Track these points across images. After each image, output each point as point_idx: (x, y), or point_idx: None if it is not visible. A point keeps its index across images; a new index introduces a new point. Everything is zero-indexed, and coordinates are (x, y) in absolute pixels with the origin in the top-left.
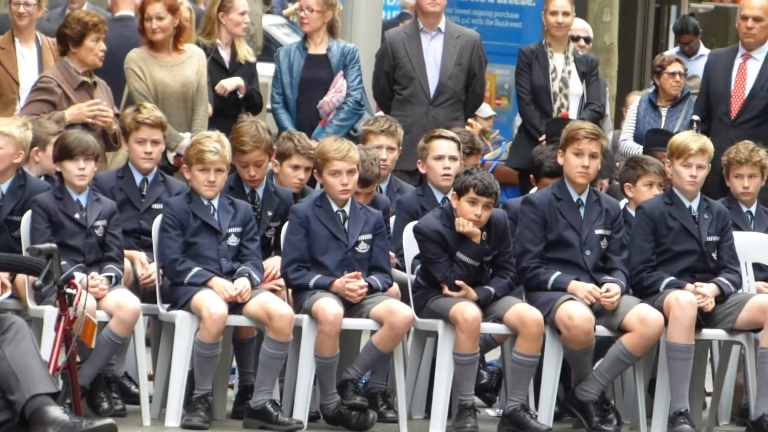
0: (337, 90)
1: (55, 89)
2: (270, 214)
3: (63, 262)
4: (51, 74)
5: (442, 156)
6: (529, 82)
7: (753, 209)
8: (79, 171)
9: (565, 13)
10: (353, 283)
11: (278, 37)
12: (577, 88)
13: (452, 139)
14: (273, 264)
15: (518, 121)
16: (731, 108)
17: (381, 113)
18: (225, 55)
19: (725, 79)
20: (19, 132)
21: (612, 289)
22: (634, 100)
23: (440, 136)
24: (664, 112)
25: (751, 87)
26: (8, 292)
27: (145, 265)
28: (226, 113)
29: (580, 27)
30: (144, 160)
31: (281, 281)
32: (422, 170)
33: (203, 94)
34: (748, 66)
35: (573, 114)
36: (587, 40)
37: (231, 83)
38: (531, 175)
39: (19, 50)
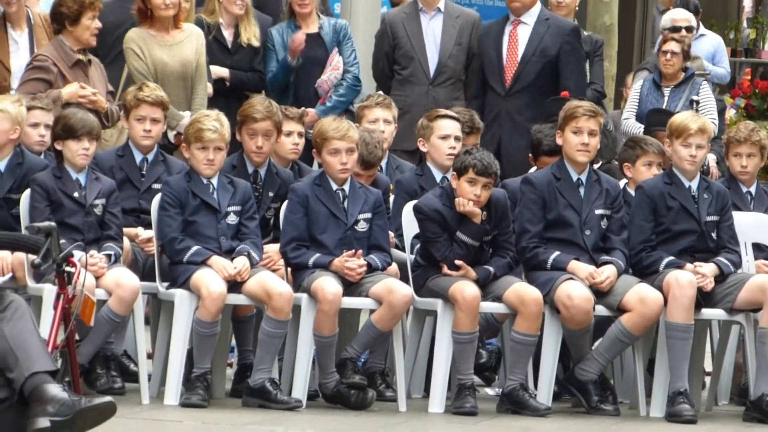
0: (334, 67)
1: (50, 67)
2: (271, 194)
3: (62, 241)
4: (46, 52)
5: (448, 135)
6: None
7: (753, 189)
8: (83, 151)
9: None
10: (352, 261)
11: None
12: None
13: (456, 119)
14: (270, 253)
15: None
16: (505, 78)
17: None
18: (227, 35)
19: (497, 49)
20: (13, 108)
21: (604, 272)
22: (639, 78)
23: (445, 116)
24: (666, 92)
25: (522, 53)
26: (9, 274)
27: (142, 236)
28: (227, 94)
29: (682, 17)
30: (143, 137)
31: (281, 261)
32: (423, 149)
33: (202, 73)
34: (519, 32)
35: None
36: (689, 29)
37: (216, 73)
38: (530, 154)
39: (11, 36)
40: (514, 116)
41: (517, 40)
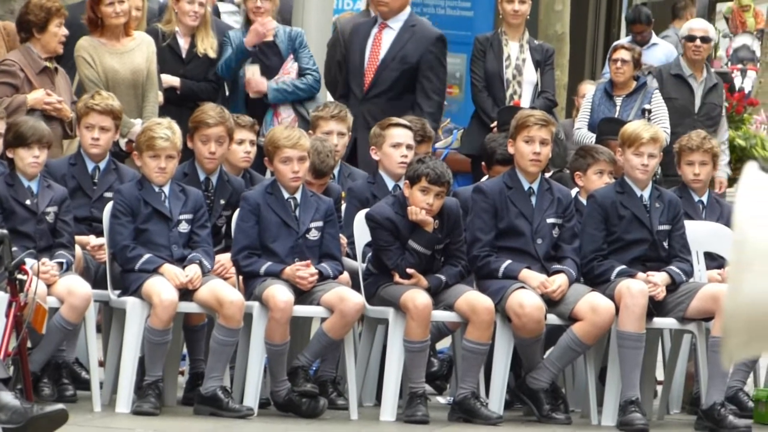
0: (285, 72)
1: (18, 73)
2: (222, 202)
3: (14, 248)
4: (14, 58)
5: (400, 144)
6: (483, 69)
7: (704, 198)
8: (33, 159)
9: (522, 1)
10: (304, 270)
11: (230, 24)
12: (531, 76)
13: (408, 127)
14: (222, 261)
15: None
16: (364, 81)
17: (331, 100)
18: (183, 43)
19: (361, 51)
20: None
21: (556, 281)
22: (589, 88)
23: (397, 124)
24: (618, 101)
25: (382, 58)
26: None
27: (93, 243)
28: (178, 103)
29: (699, 27)
30: (91, 145)
31: (232, 269)
32: (376, 157)
33: (153, 81)
34: (383, 36)
35: (526, 102)
36: (704, 39)
37: (167, 82)
38: (483, 163)
39: None
40: (369, 121)
41: (380, 44)
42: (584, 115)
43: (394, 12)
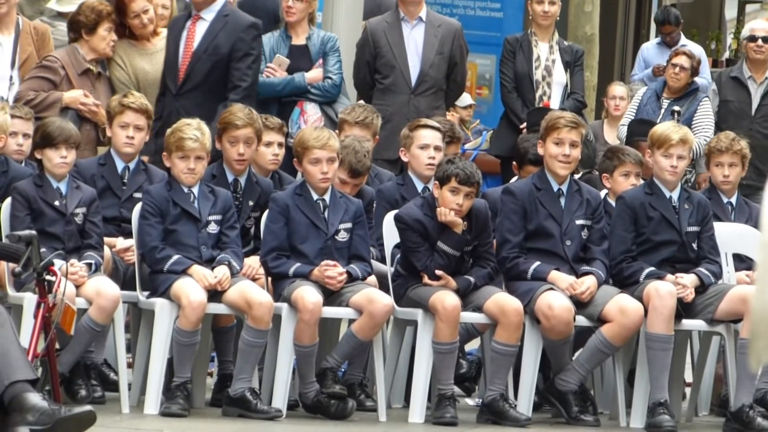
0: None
1: (58, 69)
2: (251, 203)
3: (43, 250)
4: (57, 55)
5: (428, 145)
6: (513, 70)
7: (734, 200)
8: (61, 159)
9: (551, 2)
10: (332, 270)
11: None
12: (560, 77)
13: (437, 128)
14: (250, 263)
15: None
16: (178, 75)
17: (361, 102)
18: None
19: (176, 45)
20: None
21: (585, 283)
22: (638, 89)
23: (426, 126)
24: (665, 104)
25: (194, 50)
26: None
27: (119, 245)
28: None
29: (761, 27)
30: (125, 144)
31: (261, 270)
32: (405, 159)
33: None
34: (196, 28)
35: (555, 103)
36: (766, 39)
37: None
38: (514, 162)
39: None
40: (184, 116)
41: (194, 37)
42: (630, 114)
43: (207, 3)
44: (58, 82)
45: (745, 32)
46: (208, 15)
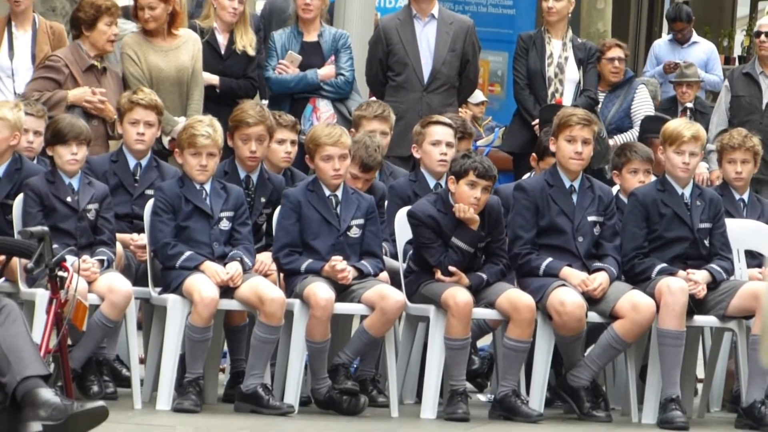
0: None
1: (62, 68)
2: (263, 200)
3: (55, 246)
4: (61, 54)
5: (439, 141)
6: (526, 67)
7: (746, 196)
8: (71, 156)
9: None
10: (340, 263)
11: None
12: (573, 74)
13: (449, 125)
14: (263, 259)
15: None
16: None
17: (373, 98)
18: (221, 39)
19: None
20: (12, 114)
21: (597, 279)
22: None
23: (438, 122)
24: (601, 97)
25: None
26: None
27: (138, 241)
28: (217, 100)
29: (765, 23)
30: (136, 141)
31: (273, 267)
32: (417, 155)
33: (198, 79)
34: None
35: (567, 100)
36: None
37: (206, 79)
38: (533, 154)
39: (14, 34)
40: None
41: None
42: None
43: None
44: (63, 80)
45: (756, 28)
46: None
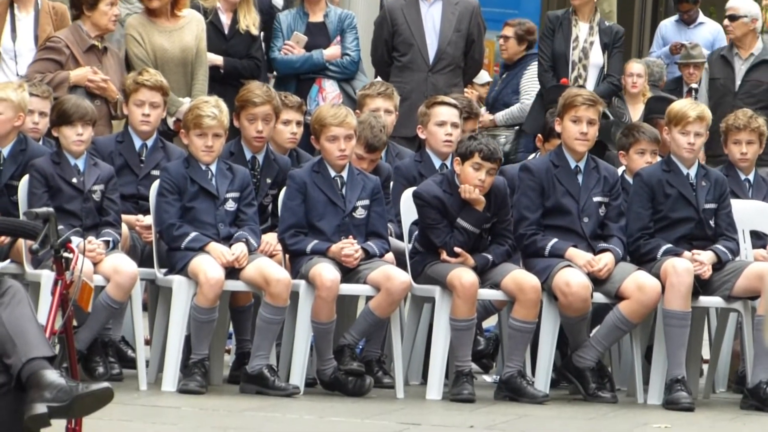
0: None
1: (63, 49)
2: (269, 181)
3: (60, 227)
4: (61, 35)
5: (445, 122)
6: (551, 48)
7: (751, 177)
8: (77, 137)
9: None
10: (349, 248)
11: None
12: (597, 59)
13: (454, 105)
14: (268, 240)
15: None
16: None
17: (378, 79)
18: (225, 19)
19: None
20: (16, 95)
21: (602, 260)
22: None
23: (443, 102)
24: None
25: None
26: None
27: (143, 222)
28: (222, 81)
29: (731, 5)
30: (142, 122)
31: (278, 248)
32: (422, 136)
33: (202, 59)
34: None
35: (590, 85)
36: (731, 18)
37: (210, 60)
38: (539, 135)
39: (17, 16)
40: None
41: None
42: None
43: None
44: (64, 61)
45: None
46: None
